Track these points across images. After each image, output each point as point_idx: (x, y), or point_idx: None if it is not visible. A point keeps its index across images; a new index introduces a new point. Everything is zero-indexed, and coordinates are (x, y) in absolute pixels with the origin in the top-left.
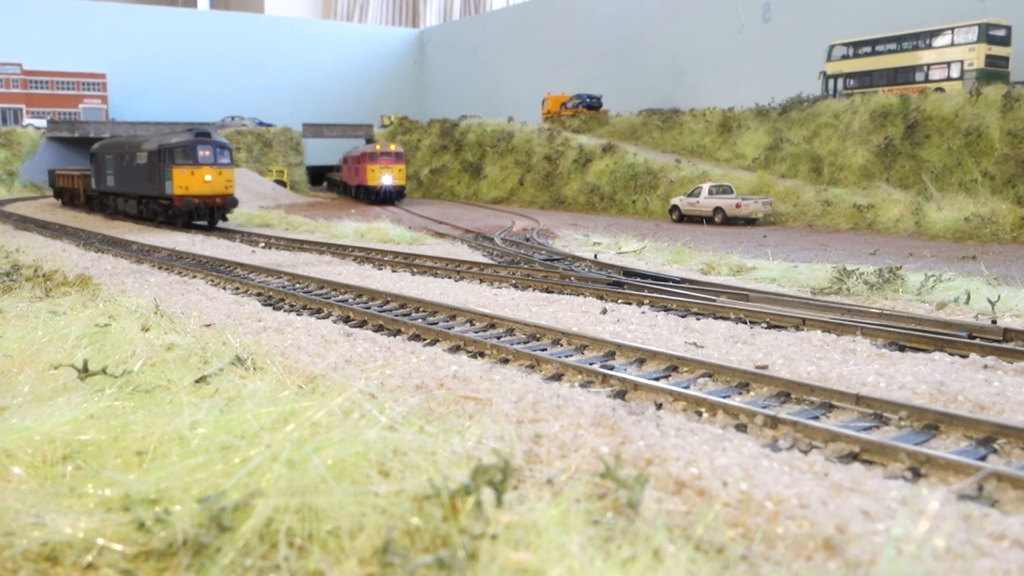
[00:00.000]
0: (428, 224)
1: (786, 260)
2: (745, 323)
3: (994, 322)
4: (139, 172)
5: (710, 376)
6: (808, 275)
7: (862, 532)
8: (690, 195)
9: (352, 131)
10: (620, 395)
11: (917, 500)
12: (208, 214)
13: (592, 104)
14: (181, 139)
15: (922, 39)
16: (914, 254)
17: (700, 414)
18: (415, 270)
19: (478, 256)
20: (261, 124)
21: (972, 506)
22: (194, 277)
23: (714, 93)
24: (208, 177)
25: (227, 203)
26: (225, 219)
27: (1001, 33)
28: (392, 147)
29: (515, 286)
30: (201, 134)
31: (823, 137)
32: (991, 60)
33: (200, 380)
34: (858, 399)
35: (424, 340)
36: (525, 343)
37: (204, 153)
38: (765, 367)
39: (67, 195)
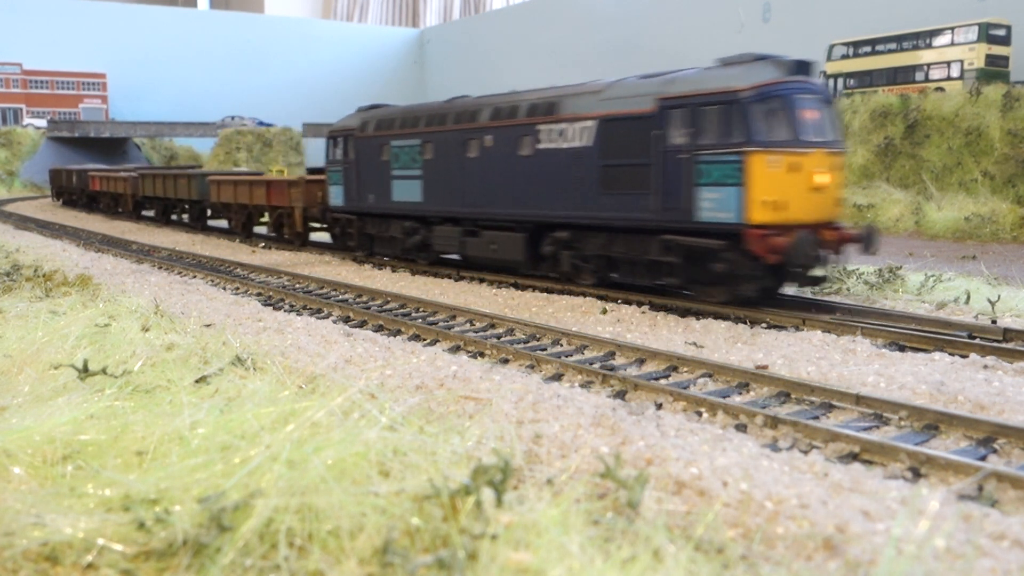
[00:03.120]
0: None
1: None
2: (745, 323)
3: (994, 322)
4: (556, 171)
5: (710, 376)
6: None
7: (862, 532)
8: None
9: None
10: (620, 395)
11: (917, 500)
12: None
13: None
14: (759, 76)
15: (922, 39)
16: (914, 254)
17: (700, 414)
18: (415, 270)
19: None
20: (261, 124)
21: (972, 506)
22: (194, 277)
23: None
24: (821, 178)
25: (860, 241)
26: (821, 280)
27: (1001, 33)
28: None
29: (515, 286)
30: (800, 66)
31: None
32: (991, 60)
33: (200, 380)
34: (858, 399)
35: (424, 340)
36: (525, 343)
37: (810, 115)
38: (765, 367)
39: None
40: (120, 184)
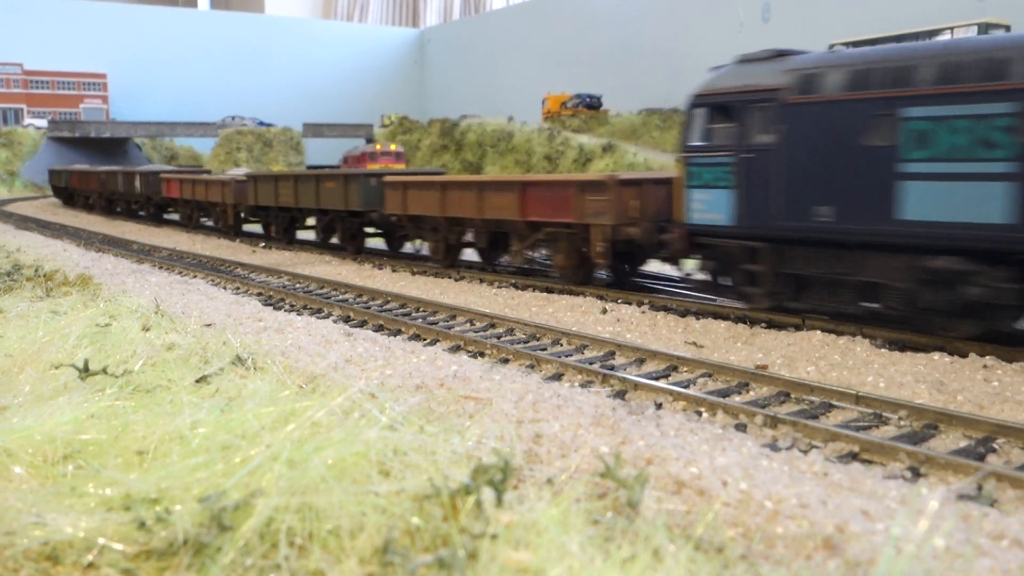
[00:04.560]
0: None
1: None
2: (745, 323)
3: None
4: None
5: (710, 376)
6: None
7: (861, 532)
8: None
9: (352, 131)
10: (620, 395)
11: (916, 500)
12: None
13: (592, 103)
14: None
15: (921, 39)
16: None
17: (700, 414)
18: (415, 270)
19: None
20: (261, 124)
21: (971, 506)
22: (195, 277)
23: None
24: None
25: None
26: None
27: (1000, 32)
28: (392, 147)
29: (515, 286)
30: None
31: None
32: None
33: (201, 380)
34: (858, 398)
35: (424, 340)
36: (525, 343)
37: None
38: (765, 367)
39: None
40: (215, 190)
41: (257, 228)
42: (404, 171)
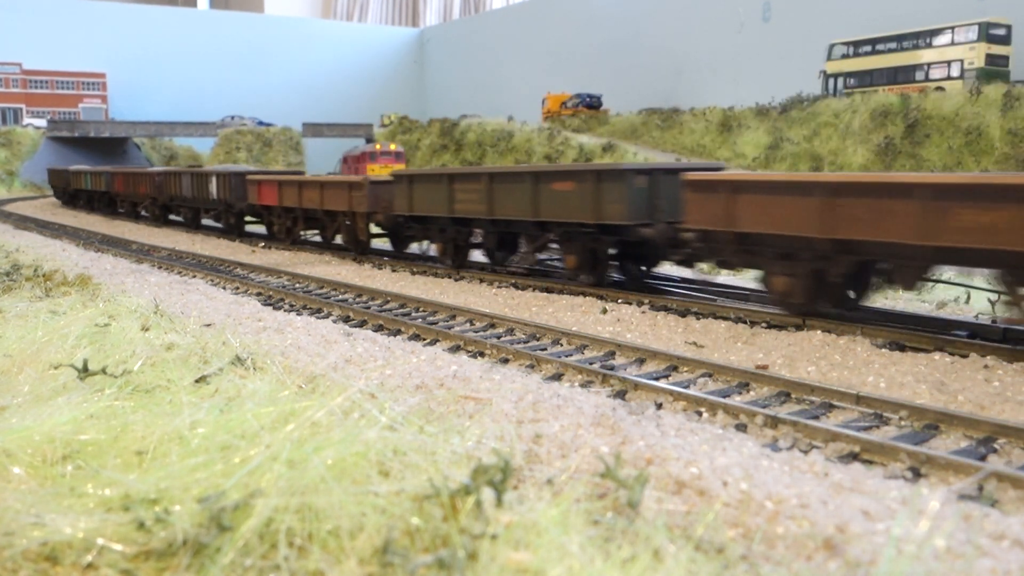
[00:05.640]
0: None
1: None
2: (745, 323)
3: (994, 321)
4: None
5: (710, 376)
6: None
7: (862, 532)
8: None
9: (352, 130)
10: (620, 395)
11: (917, 500)
12: None
13: (592, 103)
14: None
15: (922, 38)
16: None
17: (700, 414)
18: (415, 270)
19: (478, 255)
20: (261, 124)
21: (972, 506)
22: (194, 277)
23: (714, 92)
24: None
25: None
26: None
27: (1001, 32)
28: (392, 146)
29: (515, 286)
30: None
31: (823, 136)
32: (991, 59)
33: (200, 380)
34: (858, 399)
35: (424, 340)
36: (525, 343)
37: None
38: (765, 367)
39: None
40: (337, 196)
41: (382, 244)
42: (689, 166)
